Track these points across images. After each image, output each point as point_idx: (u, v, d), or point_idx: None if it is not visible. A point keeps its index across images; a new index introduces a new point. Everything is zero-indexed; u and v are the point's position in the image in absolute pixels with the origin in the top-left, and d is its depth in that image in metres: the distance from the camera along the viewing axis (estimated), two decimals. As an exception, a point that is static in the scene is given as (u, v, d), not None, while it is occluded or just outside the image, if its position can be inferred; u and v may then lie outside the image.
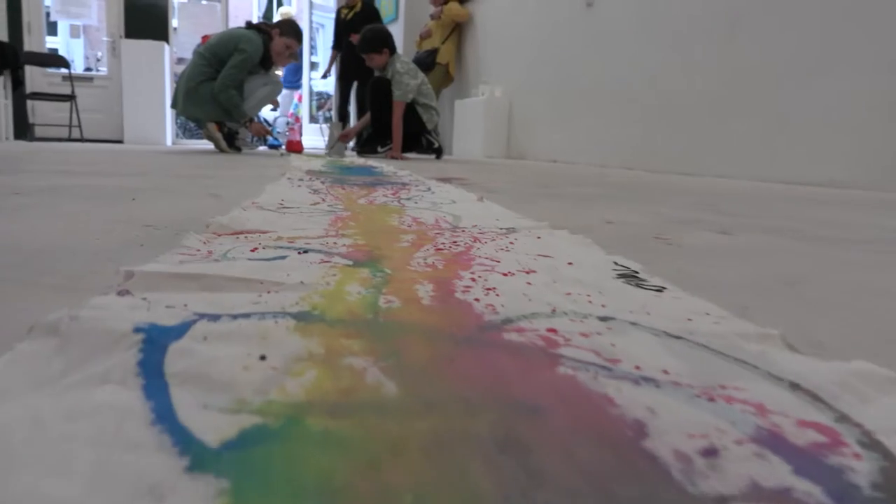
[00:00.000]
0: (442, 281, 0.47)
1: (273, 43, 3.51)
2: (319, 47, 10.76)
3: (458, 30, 5.61)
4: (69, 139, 6.21)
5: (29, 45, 6.38)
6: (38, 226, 0.68)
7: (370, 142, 3.90)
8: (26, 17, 6.36)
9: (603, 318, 0.39)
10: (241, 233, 0.60)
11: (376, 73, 3.89)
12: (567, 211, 1.07)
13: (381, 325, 0.36)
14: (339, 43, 6.02)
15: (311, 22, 7.21)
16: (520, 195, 1.31)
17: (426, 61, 5.49)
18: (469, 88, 5.54)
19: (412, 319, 0.37)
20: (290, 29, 3.58)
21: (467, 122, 5.15)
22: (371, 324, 0.36)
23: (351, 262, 0.51)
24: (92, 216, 0.78)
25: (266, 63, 3.60)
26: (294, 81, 7.67)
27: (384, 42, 3.77)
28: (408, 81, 3.71)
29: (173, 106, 3.61)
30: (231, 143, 3.51)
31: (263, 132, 3.53)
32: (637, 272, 0.55)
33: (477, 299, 0.42)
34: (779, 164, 2.69)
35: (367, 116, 4.03)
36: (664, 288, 0.49)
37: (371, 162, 2.96)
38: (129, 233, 0.65)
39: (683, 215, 1.07)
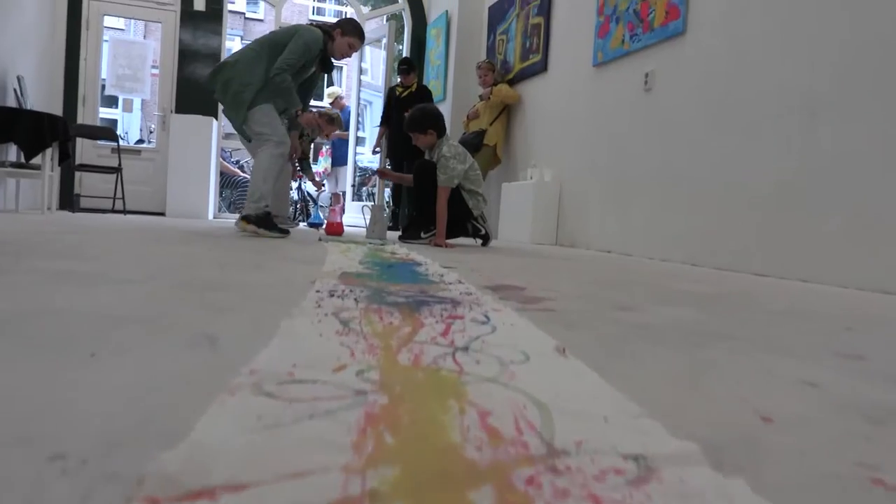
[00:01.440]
0: None
1: (335, 42, 3.41)
2: (366, 124, 10.84)
3: (506, 111, 5.49)
4: (112, 210, 6.19)
5: (82, 116, 6.48)
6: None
7: (413, 227, 3.69)
8: (82, 89, 6.49)
9: None
10: (198, 498, 0.34)
11: (426, 155, 3.73)
12: (689, 375, 0.80)
13: None
14: (388, 119, 6.04)
15: (359, 99, 7.21)
16: (603, 332, 1.03)
17: (473, 142, 5.35)
18: (517, 171, 5.36)
19: None
20: (353, 28, 3.46)
21: (515, 205, 4.94)
22: None
23: None
24: None
25: (325, 63, 3.50)
26: (343, 158, 7.63)
27: (432, 123, 3.62)
28: (454, 166, 3.53)
29: (210, 86, 3.37)
30: (272, 224, 3.30)
31: (315, 122, 3.39)
32: None
33: None
34: (872, 269, 2.37)
35: (405, 176, 3.92)
36: None
37: (414, 253, 2.73)
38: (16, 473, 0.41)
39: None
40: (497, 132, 5.42)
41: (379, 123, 6.30)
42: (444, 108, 6.29)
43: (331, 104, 7.91)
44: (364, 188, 9.99)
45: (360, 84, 7.22)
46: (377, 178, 5.47)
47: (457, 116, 6.28)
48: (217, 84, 3.28)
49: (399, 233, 3.90)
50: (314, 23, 3.49)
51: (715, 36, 3.28)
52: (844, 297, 2.01)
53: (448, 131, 6.16)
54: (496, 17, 5.95)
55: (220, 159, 7.04)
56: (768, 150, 2.90)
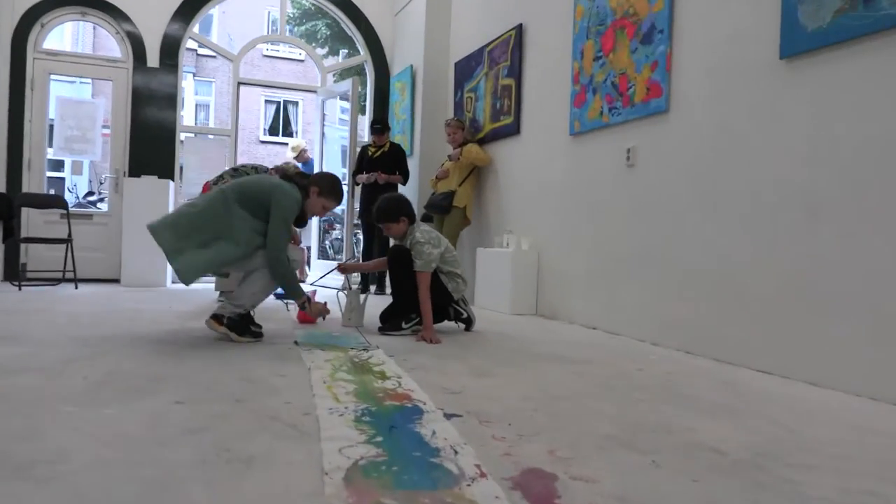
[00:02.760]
0: None
1: (309, 201, 3.14)
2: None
3: (475, 171, 5.36)
4: (63, 280, 5.83)
5: (28, 182, 6.11)
6: None
7: (393, 317, 3.49)
8: (27, 153, 6.12)
9: None
10: None
11: (393, 242, 3.56)
12: None
13: None
14: (359, 173, 5.98)
15: (322, 134, 7.00)
16: None
17: (442, 204, 5.21)
18: (490, 235, 5.21)
19: None
20: (330, 188, 3.18)
21: (492, 273, 4.78)
22: None
23: None
24: None
25: (299, 220, 3.21)
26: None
27: (402, 211, 3.48)
28: (429, 251, 3.36)
29: (152, 228, 2.92)
30: (246, 328, 3.05)
31: (325, 311, 3.11)
32: None
33: None
34: (887, 377, 2.26)
35: (377, 262, 3.79)
36: None
37: (406, 378, 2.53)
38: None
39: None
40: (467, 193, 5.28)
41: (353, 174, 6.17)
42: (412, 164, 6.13)
43: (295, 158, 7.68)
44: (328, 235, 9.74)
45: (322, 136, 7.02)
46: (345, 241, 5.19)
47: (424, 173, 6.13)
48: (168, 239, 2.87)
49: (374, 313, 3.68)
50: (287, 174, 3.18)
51: (701, 118, 3.20)
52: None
53: (416, 189, 6.04)
54: (463, 73, 5.84)
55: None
56: (766, 243, 2.81)
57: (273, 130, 22.15)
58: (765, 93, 2.84)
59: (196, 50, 20.53)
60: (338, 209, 6.92)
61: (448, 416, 1.87)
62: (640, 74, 3.59)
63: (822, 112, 2.56)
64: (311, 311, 3.04)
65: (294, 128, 22.37)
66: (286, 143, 21.80)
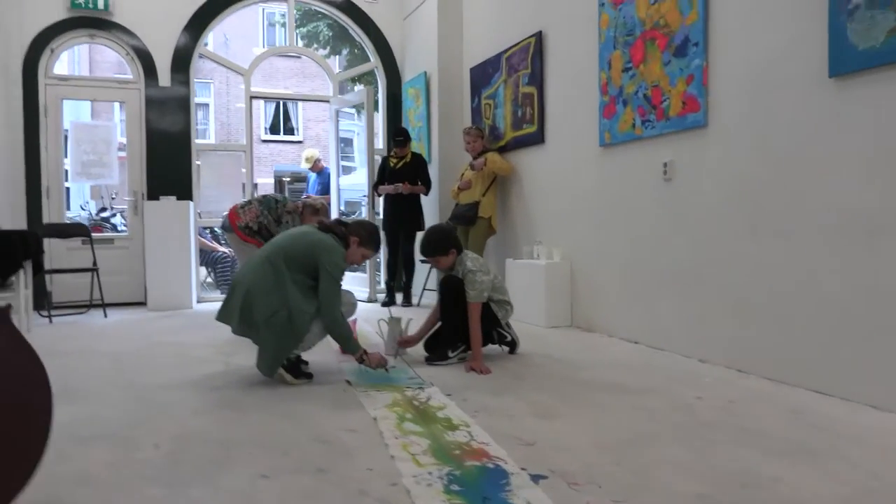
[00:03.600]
0: None
1: (350, 251, 3.14)
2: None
3: (497, 179, 5.31)
4: (90, 306, 5.83)
5: (48, 211, 6.09)
6: None
7: (440, 346, 3.49)
8: (45, 181, 6.09)
9: None
10: None
11: (444, 272, 3.55)
12: None
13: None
14: (378, 186, 6.03)
15: (337, 145, 6.97)
16: None
17: (468, 215, 5.19)
18: (518, 245, 5.19)
19: None
20: (369, 238, 3.19)
21: (525, 285, 4.75)
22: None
23: None
24: None
25: None
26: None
27: (451, 243, 3.47)
28: (482, 279, 3.36)
29: (222, 319, 3.11)
30: (299, 370, 3.07)
31: (383, 363, 3.11)
32: None
33: None
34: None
35: (431, 318, 3.65)
36: None
37: (457, 409, 2.53)
38: None
39: None
40: (491, 203, 5.25)
41: (373, 186, 6.19)
42: (432, 172, 6.09)
43: (310, 168, 7.65)
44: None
45: (337, 146, 6.97)
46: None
47: (443, 180, 6.10)
48: (232, 316, 3.01)
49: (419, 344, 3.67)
50: (327, 225, 3.21)
51: (743, 134, 3.17)
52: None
53: (436, 198, 6.01)
54: (480, 79, 5.79)
55: (198, 237, 6.71)
56: (819, 263, 2.79)
57: (273, 129, 22.04)
58: (813, 111, 2.80)
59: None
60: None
61: (535, 479, 1.87)
62: (674, 88, 3.55)
63: (881, 132, 2.53)
64: (369, 363, 3.04)
65: (294, 125, 22.27)
66: (287, 142, 21.80)
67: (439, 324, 3.60)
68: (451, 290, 3.43)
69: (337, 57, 13.29)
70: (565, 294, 4.63)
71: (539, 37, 4.87)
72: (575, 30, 4.46)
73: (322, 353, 3.51)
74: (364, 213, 6.47)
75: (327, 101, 7.12)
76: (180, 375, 3.27)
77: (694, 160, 3.47)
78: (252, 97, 6.68)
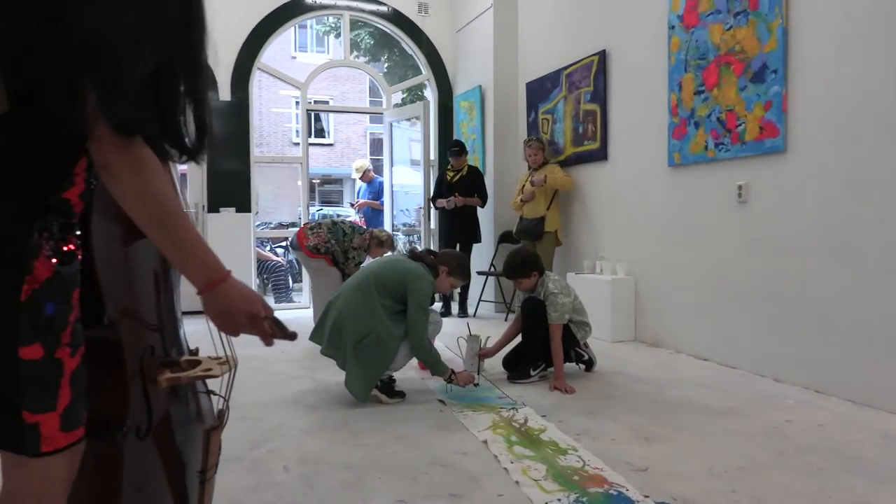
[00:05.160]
0: None
1: (439, 280, 3.27)
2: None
3: (558, 194, 5.40)
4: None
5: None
6: None
7: (521, 365, 3.60)
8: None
9: None
10: None
11: (524, 294, 3.67)
12: None
13: None
14: (435, 199, 6.16)
15: (391, 140, 7.12)
16: None
17: (535, 230, 5.28)
18: (579, 259, 5.28)
19: None
20: (459, 268, 3.35)
21: (588, 299, 4.78)
22: None
23: None
24: None
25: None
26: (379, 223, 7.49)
27: (533, 266, 3.59)
28: (563, 301, 3.47)
29: (314, 339, 3.32)
30: (392, 390, 3.20)
31: (470, 380, 3.23)
32: None
33: None
34: None
35: (508, 332, 3.76)
36: None
37: (559, 432, 2.64)
38: None
39: None
40: (556, 217, 5.34)
41: (431, 199, 6.38)
42: (487, 184, 6.18)
43: (360, 178, 7.80)
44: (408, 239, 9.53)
45: (391, 160, 7.11)
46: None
47: (498, 193, 6.20)
48: (327, 340, 3.18)
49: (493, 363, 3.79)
50: (417, 254, 3.38)
51: (825, 161, 3.24)
52: None
53: (492, 208, 6.11)
54: (536, 94, 5.89)
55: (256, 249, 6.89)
56: (907, 290, 2.86)
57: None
58: (900, 142, 2.87)
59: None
60: (418, 236, 7.05)
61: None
62: (750, 113, 3.62)
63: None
64: (457, 382, 3.16)
65: (325, 128, 22.49)
66: (318, 145, 22.01)
67: (516, 340, 3.72)
68: (533, 312, 3.54)
69: (377, 65, 13.45)
70: (630, 309, 4.71)
71: (603, 55, 4.95)
72: (642, 51, 4.54)
73: (405, 369, 3.64)
74: (421, 228, 6.60)
75: (380, 114, 7.25)
76: (273, 393, 3.41)
77: (772, 184, 3.54)
78: (309, 110, 6.82)
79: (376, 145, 24.02)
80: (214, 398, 1.73)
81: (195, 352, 1.64)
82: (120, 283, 1.35)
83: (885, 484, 2.14)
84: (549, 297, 3.48)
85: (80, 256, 0.99)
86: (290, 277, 7.52)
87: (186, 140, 1.01)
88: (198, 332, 1.54)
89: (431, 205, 6.31)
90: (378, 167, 8.10)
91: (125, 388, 1.28)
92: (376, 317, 3.07)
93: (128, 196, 0.97)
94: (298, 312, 6.25)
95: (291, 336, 1.13)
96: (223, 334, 1.23)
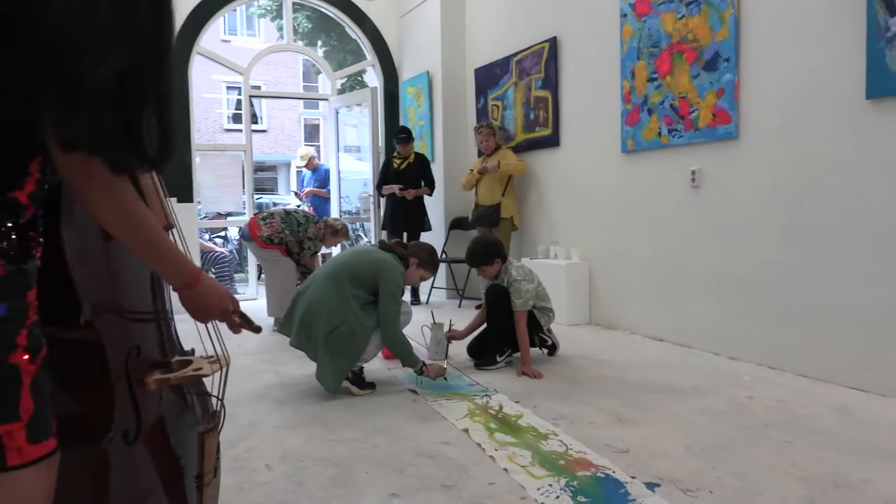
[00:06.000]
0: None
1: (409, 272, 3.24)
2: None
3: (512, 179, 5.43)
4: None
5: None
6: None
7: (487, 351, 3.62)
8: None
9: None
10: None
11: (488, 281, 3.69)
12: None
13: None
14: (380, 186, 6.08)
15: (337, 131, 7.01)
16: None
17: (491, 217, 5.30)
18: (533, 244, 5.34)
19: None
20: (429, 260, 3.33)
21: (544, 283, 4.89)
22: None
23: None
24: None
25: None
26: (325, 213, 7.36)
27: (495, 253, 3.61)
28: (527, 287, 3.51)
29: (282, 331, 3.27)
30: (363, 381, 3.16)
31: (442, 372, 3.20)
32: None
33: None
34: None
35: (478, 318, 3.78)
36: None
37: (535, 417, 2.68)
38: None
39: None
40: (511, 202, 5.36)
41: (376, 186, 6.29)
42: (436, 171, 6.17)
43: (305, 166, 7.65)
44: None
45: (337, 147, 7.00)
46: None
47: (449, 181, 6.19)
48: (297, 331, 3.12)
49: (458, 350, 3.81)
50: (387, 245, 3.33)
51: (777, 148, 3.37)
52: None
53: (442, 194, 6.11)
54: (486, 80, 5.89)
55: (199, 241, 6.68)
56: (854, 270, 3.02)
57: (237, 118, 21.64)
58: (850, 129, 3.02)
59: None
60: (367, 223, 6.96)
61: (650, 487, 2.03)
62: (703, 100, 3.73)
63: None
64: (428, 374, 3.15)
65: (258, 114, 21.92)
66: (252, 131, 21.42)
67: (482, 327, 3.74)
68: (497, 299, 3.57)
69: (314, 49, 13.17)
70: (584, 293, 4.81)
71: (553, 42, 4.99)
72: (593, 38, 4.60)
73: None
74: (371, 216, 6.53)
75: (325, 99, 7.11)
76: (239, 388, 3.30)
77: (724, 169, 3.67)
78: (252, 97, 6.62)
79: (311, 131, 23.64)
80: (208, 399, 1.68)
81: (190, 352, 1.58)
82: (98, 280, 1.28)
83: (851, 455, 2.26)
84: (513, 284, 3.51)
85: (37, 255, 0.93)
86: (232, 268, 7.33)
87: (148, 149, 0.95)
88: (185, 332, 1.51)
89: (378, 193, 6.23)
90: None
91: (109, 390, 1.21)
92: (348, 308, 3.02)
93: (102, 216, 0.98)
94: (246, 304, 6.09)
95: (257, 329, 1.27)
96: (213, 332, 1.39)
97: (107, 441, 1.15)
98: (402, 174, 5.91)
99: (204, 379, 1.52)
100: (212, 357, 1.51)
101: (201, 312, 1.16)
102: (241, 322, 1.23)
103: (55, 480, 0.97)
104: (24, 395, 0.87)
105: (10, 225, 0.88)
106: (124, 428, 1.22)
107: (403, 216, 5.93)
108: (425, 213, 6.02)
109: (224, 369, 1.49)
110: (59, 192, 1.10)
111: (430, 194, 6.01)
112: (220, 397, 1.55)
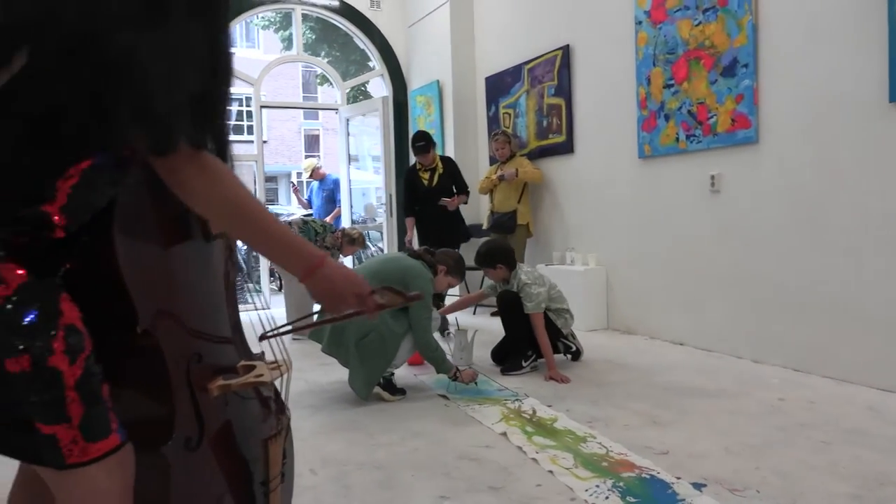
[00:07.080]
0: None
1: (437, 279, 3.27)
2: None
3: (527, 186, 5.45)
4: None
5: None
6: None
7: (511, 356, 3.65)
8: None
9: None
10: None
11: (500, 286, 3.72)
12: None
13: None
14: (413, 208, 5.48)
15: (347, 136, 7.02)
16: None
17: (508, 224, 5.32)
18: (549, 251, 5.37)
19: None
20: (456, 267, 3.36)
21: (561, 289, 4.93)
22: None
23: None
24: None
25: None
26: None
27: (499, 259, 3.64)
28: (537, 291, 3.53)
29: (313, 338, 3.30)
30: (394, 387, 3.18)
31: (474, 377, 3.22)
32: None
33: None
34: None
35: (478, 294, 4.00)
36: None
37: (570, 420, 2.69)
38: None
39: None
40: (527, 209, 5.39)
41: (405, 214, 5.65)
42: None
43: (310, 177, 7.67)
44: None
45: (347, 122, 7.02)
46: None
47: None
48: (328, 338, 3.15)
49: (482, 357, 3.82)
50: (417, 253, 3.35)
51: (797, 152, 3.41)
52: None
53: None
54: (497, 89, 5.94)
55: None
56: (880, 275, 3.05)
57: (238, 129, 21.70)
58: (871, 132, 3.05)
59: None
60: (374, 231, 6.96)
61: (697, 487, 2.05)
62: (722, 105, 3.77)
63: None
64: (462, 379, 3.17)
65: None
66: (250, 142, 21.47)
67: (492, 326, 3.78)
68: (508, 305, 3.61)
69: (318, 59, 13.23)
70: (602, 298, 4.83)
71: (566, 50, 5.04)
72: (608, 46, 4.65)
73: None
74: (384, 225, 6.54)
75: (335, 110, 7.16)
76: (268, 396, 3.33)
77: (744, 173, 3.70)
78: (262, 106, 6.66)
79: (311, 142, 23.69)
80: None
81: (260, 356, 1.59)
82: (157, 289, 1.29)
83: (891, 454, 2.28)
84: (524, 289, 3.54)
85: (67, 266, 0.96)
86: (242, 278, 7.31)
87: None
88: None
89: (404, 213, 5.69)
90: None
91: (169, 397, 1.22)
92: (381, 317, 3.04)
93: (209, 205, 0.99)
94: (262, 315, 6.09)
95: (414, 297, 1.22)
96: (274, 340, 1.36)
97: (168, 447, 1.15)
98: (435, 191, 5.27)
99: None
100: (273, 362, 1.52)
101: (335, 300, 1.09)
102: (390, 299, 1.15)
103: (131, 476, 0.99)
104: (70, 396, 0.88)
105: (36, 236, 0.90)
106: (186, 435, 1.23)
107: (436, 230, 5.24)
108: (462, 222, 5.51)
109: (286, 375, 1.50)
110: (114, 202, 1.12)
111: (466, 202, 5.50)
112: (283, 401, 1.56)
